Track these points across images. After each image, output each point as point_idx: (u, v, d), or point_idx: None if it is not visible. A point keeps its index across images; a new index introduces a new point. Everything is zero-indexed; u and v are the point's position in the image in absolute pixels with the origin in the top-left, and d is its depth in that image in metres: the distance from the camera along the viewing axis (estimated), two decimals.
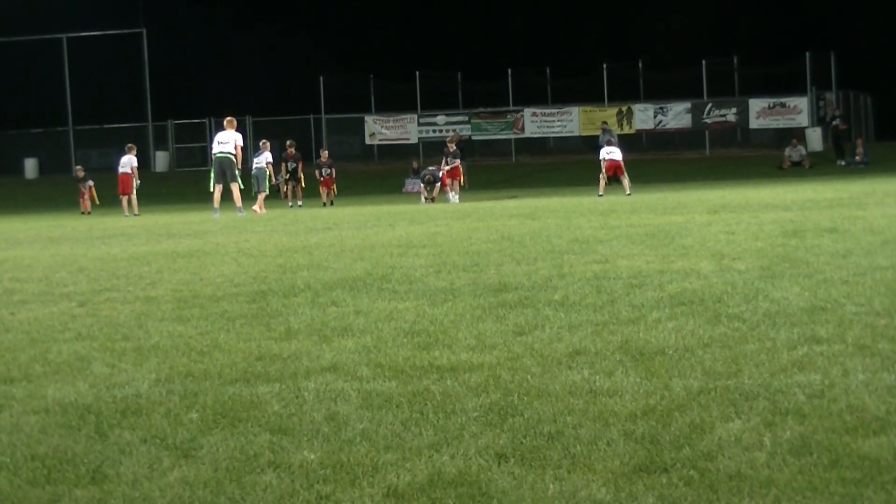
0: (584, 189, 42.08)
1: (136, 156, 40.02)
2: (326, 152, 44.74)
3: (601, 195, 35.71)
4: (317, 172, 43.00)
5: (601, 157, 38.37)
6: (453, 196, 39.12)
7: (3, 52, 72.38)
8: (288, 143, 43.53)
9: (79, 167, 45.60)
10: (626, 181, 37.41)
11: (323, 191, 42.20)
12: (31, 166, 70.18)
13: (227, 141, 33.80)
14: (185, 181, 59.13)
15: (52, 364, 8.57)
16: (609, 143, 39.58)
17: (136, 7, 73.53)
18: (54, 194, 56.32)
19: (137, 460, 5.90)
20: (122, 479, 5.61)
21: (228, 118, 34.56)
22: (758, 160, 56.68)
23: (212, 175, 34.55)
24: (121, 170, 39.32)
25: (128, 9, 73.29)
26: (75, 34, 71.22)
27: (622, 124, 60.40)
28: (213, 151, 34.51)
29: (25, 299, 12.63)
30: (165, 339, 9.44)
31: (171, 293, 12.56)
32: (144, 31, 71.28)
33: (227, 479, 5.55)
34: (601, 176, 37.93)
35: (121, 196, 39.27)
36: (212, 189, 34.18)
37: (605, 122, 54.97)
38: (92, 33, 71.49)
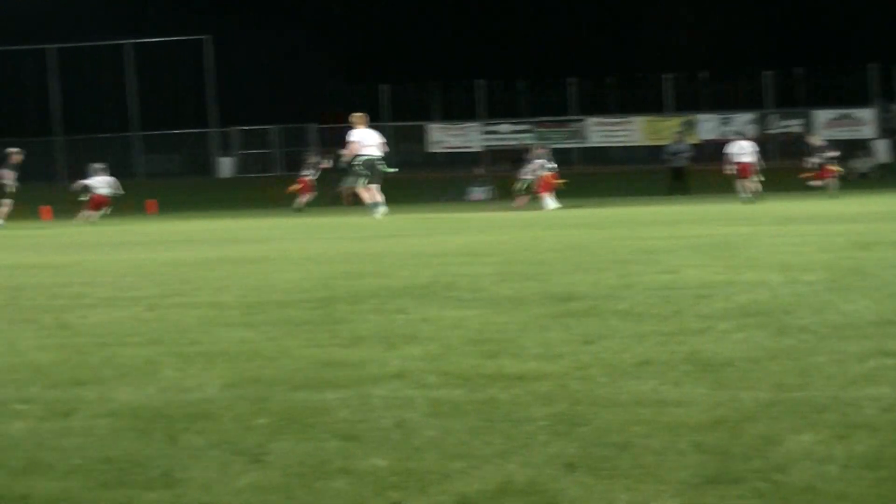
0: (648, 199, 41.91)
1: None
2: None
3: (748, 196, 35.38)
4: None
5: (731, 160, 37.78)
6: (549, 202, 38.90)
7: (69, 58, 72.99)
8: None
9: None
10: (751, 184, 36.73)
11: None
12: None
13: (373, 143, 33.82)
14: (249, 187, 59.45)
15: (121, 368, 8.62)
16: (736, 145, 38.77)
17: (201, 13, 74.04)
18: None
19: (208, 465, 5.92)
20: (194, 483, 5.64)
21: (360, 114, 34.33)
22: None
23: (360, 173, 34.58)
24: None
25: (193, 15, 73.81)
26: (140, 40, 71.76)
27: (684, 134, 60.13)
28: (365, 154, 34.20)
29: (94, 303, 12.72)
30: (233, 345, 9.47)
31: (237, 298, 12.62)
32: (210, 38, 71.67)
33: (298, 484, 5.56)
34: (737, 181, 37.48)
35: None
36: (358, 188, 34.73)
37: (679, 132, 54.44)
38: (156, 39, 71.98)
